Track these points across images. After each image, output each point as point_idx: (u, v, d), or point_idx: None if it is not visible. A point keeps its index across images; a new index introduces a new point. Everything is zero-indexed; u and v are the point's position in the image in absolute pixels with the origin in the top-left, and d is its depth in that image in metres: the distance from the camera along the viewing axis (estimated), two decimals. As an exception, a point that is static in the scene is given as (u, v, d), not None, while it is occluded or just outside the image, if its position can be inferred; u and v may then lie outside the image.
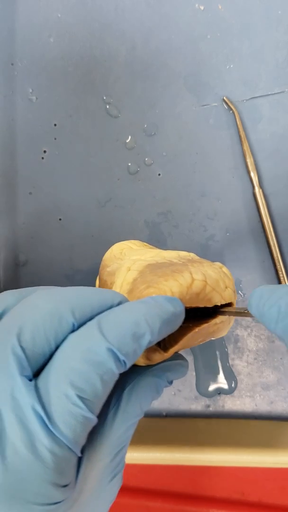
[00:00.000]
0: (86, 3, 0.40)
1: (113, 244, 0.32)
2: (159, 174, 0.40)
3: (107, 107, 0.41)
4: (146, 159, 0.40)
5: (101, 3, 0.40)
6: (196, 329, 0.24)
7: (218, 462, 0.36)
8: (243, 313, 0.23)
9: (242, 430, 0.38)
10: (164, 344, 0.24)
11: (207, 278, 0.24)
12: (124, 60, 0.40)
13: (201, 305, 0.24)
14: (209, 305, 0.24)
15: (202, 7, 0.40)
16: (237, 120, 0.39)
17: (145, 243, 0.32)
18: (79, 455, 0.18)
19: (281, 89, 0.39)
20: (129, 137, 0.40)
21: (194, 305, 0.23)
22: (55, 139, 0.41)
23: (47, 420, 0.17)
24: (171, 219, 0.40)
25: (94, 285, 0.30)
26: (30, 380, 0.19)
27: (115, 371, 0.19)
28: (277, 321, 0.19)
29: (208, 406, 0.39)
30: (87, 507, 0.20)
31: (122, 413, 0.22)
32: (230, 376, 0.39)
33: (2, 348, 0.18)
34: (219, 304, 0.24)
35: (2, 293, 0.22)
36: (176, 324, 0.21)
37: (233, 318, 0.27)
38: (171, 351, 0.23)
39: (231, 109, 0.39)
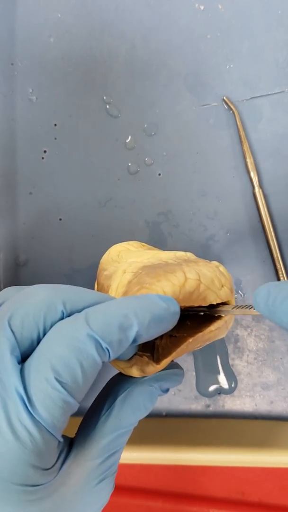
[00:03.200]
0: (86, 3, 0.40)
1: (113, 244, 0.32)
2: (159, 174, 0.40)
3: (107, 107, 0.41)
4: (146, 159, 0.40)
5: (101, 3, 0.40)
6: (190, 339, 0.24)
7: (218, 462, 0.36)
8: (247, 310, 0.23)
9: (242, 430, 0.38)
10: (157, 356, 0.24)
11: (201, 277, 0.24)
12: (124, 60, 0.40)
13: (196, 304, 0.24)
14: (204, 304, 0.24)
15: (202, 7, 0.40)
16: (237, 120, 0.39)
17: (143, 244, 0.32)
18: (60, 439, 0.19)
19: (281, 89, 0.39)
20: (129, 137, 0.40)
21: (188, 304, 0.23)
22: (55, 139, 0.41)
23: (27, 401, 0.18)
24: (171, 219, 0.40)
25: (93, 288, 0.30)
26: (19, 363, 0.19)
27: (97, 358, 0.19)
28: None
29: (208, 406, 0.39)
30: (71, 503, 0.20)
31: (114, 419, 0.22)
32: (230, 376, 0.39)
33: None
34: (214, 303, 0.24)
35: (4, 289, 0.23)
36: (170, 322, 0.21)
37: (231, 319, 0.27)
38: (164, 362, 0.23)
39: (231, 109, 0.39)
